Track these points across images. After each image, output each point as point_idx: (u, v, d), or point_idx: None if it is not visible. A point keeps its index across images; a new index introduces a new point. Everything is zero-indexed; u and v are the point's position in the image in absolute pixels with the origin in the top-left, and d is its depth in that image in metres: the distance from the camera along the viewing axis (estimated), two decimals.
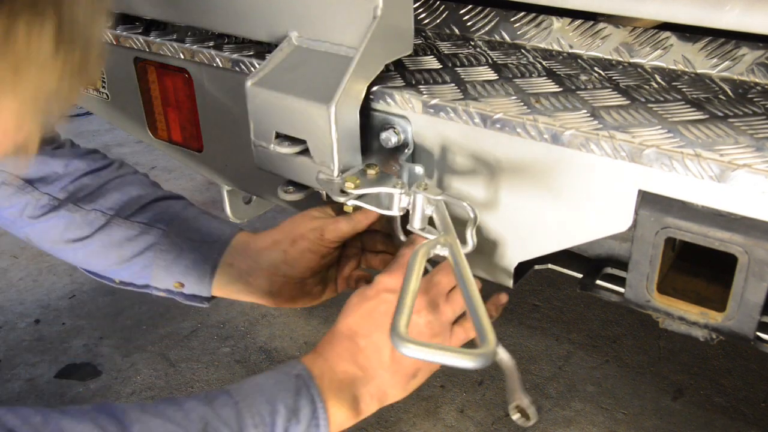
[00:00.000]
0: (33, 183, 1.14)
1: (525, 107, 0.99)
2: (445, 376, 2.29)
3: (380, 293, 0.93)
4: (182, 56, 1.33)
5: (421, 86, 1.07)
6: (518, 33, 1.28)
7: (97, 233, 1.14)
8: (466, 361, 0.75)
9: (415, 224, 1.03)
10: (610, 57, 1.19)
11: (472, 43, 1.29)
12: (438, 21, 1.37)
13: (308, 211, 1.14)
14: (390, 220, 1.12)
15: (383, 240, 1.19)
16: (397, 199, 1.02)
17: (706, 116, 0.95)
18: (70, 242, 1.15)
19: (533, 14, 1.26)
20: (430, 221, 1.02)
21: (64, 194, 1.15)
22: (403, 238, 1.10)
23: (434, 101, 1.03)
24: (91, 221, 1.14)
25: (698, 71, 1.12)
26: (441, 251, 0.94)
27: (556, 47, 1.24)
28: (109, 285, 1.20)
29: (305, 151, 1.07)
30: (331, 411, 0.86)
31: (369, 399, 0.91)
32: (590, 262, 1.21)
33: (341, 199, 1.04)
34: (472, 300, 0.83)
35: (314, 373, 0.88)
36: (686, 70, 1.13)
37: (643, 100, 1.01)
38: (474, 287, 0.85)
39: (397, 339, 0.76)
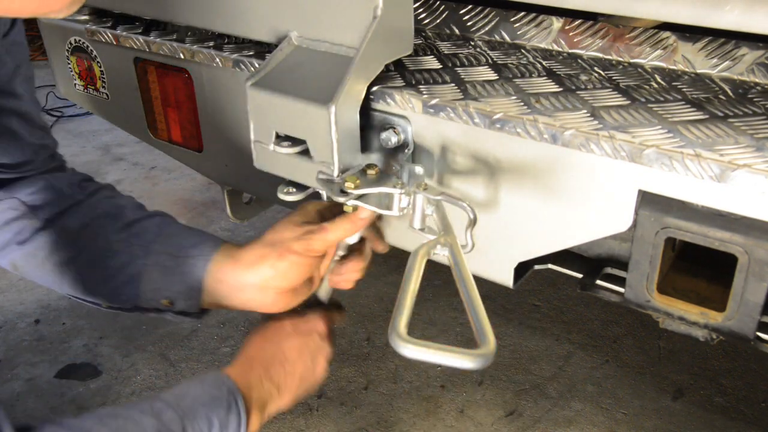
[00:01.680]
0: (36, 210, 1.15)
1: (525, 107, 0.99)
2: (445, 376, 2.29)
3: (312, 334, 1.11)
4: (182, 56, 1.33)
5: (421, 86, 1.07)
6: (518, 33, 1.28)
7: (84, 252, 1.15)
8: (466, 362, 0.75)
9: (415, 224, 1.03)
10: (610, 57, 1.19)
11: (472, 43, 1.29)
12: (438, 21, 1.37)
13: (290, 218, 1.11)
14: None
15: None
16: (397, 199, 1.02)
17: (706, 116, 0.95)
18: (57, 265, 1.15)
19: (533, 14, 1.26)
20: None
21: (54, 216, 1.16)
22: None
23: (434, 101, 1.03)
24: (74, 240, 1.15)
25: (698, 71, 1.12)
26: (441, 251, 0.94)
27: (556, 47, 1.24)
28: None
29: (305, 151, 1.07)
30: (250, 423, 0.99)
31: (272, 412, 1.05)
32: (590, 262, 1.21)
33: (341, 199, 1.04)
34: (471, 300, 0.83)
35: (242, 388, 1.00)
36: (686, 70, 1.13)
37: (643, 100, 1.01)
38: (474, 287, 0.85)
39: (398, 339, 0.76)
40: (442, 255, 0.95)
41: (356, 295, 2.67)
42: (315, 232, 1.06)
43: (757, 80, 1.07)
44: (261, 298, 1.11)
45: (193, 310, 1.15)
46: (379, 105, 1.09)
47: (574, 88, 1.06)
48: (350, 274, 1.13)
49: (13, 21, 1.10)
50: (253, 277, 1.10)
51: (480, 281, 1.04)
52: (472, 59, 1.20)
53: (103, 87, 1.57)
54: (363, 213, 1.04)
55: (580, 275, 1.19)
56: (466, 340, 2.43)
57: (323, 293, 1.17)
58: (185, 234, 1.17)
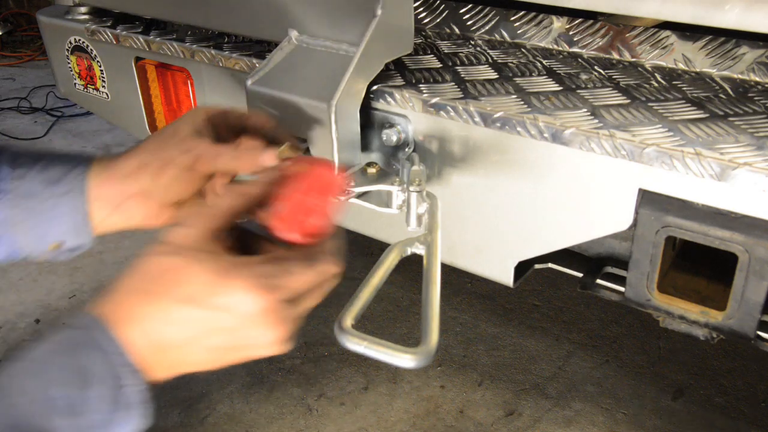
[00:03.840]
0: None
1: (525, 106, 0.99)
2: (445, 376, 2.29)
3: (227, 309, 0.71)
4: (182, 55, 1.33)
5: (421, 85, 1.07)
6: (518, 32, 1.28)
7: None
8: (401, 360, 0.73)
9: (411, 222, 1.03)
10: (610, 56, 1.19)
11: (472, 42, 1.29)
12: (438, 20, 1.37)
13: (178, 126, 0.95)
14: None
15: None
16: (396, 197, 1.02)
17: (707, 115, 0.95)
18: None
19: (533, 13, 1.26)
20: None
21: None
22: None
23: (434, 100, 1.03)
24: None
25: (698, 70, 1.12)
26: (418, 249, 0.91)
27: (556, 46, 1.24)
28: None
29: (306, 150, 1.06)
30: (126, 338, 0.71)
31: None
32: (590, 262, 1.21)
33: (341, 198, 1.03)
34: (430, 299, 0.82)
35: (103, 315, 0.74)
36: (686, 69, 1.13)
37: (644, 98, 1.01)
38: (437, 289, 0.84)
39: (339, 331, 0.74)
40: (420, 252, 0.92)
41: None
42: (205, 152, 0.92)
43: (757, 79, 1.07)
44: (145, 211, 1.00)
45: (87, 242, 1.03)
46: (379, 104, 1.09)
47: (574, 87, 1.06)
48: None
49: None
50: (133, 188, 0.98)
51: (480, 280, 1.05)
52: (472, 58, 1.20)
53: (103, 87, 1.57)
54: (267, 156, 0.87)
55: (580, 274, 1.19)
56: (466, 340, 2.43)
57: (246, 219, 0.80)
58: (50, 167, 1.01)
